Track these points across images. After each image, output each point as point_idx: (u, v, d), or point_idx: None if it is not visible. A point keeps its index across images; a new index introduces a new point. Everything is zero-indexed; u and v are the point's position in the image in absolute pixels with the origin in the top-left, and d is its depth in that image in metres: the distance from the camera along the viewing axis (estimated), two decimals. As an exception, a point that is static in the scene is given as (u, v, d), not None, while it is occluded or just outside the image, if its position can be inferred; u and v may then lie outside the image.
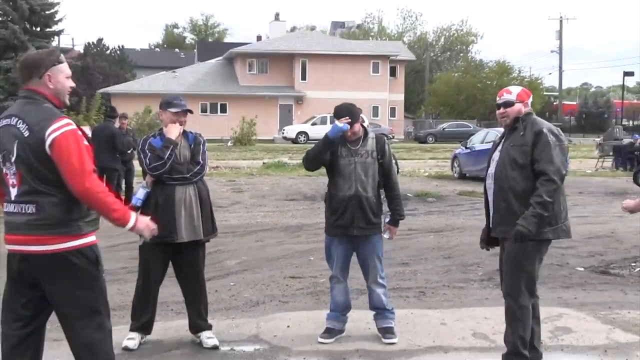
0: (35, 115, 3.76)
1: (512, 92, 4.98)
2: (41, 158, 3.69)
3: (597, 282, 8.02)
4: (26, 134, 3.73)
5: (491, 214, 5.00)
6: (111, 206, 3.75)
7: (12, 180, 3.80)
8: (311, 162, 5.70)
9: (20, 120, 3.77)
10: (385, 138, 5.82)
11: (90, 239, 3.84)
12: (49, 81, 3.86)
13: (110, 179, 13.03)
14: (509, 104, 4.91)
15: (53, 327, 6.03)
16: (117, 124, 13.78)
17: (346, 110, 5.56)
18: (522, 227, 4.61)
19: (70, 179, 3.66)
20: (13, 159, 3.75)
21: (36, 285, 3.86)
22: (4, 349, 4.00)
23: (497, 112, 4.99)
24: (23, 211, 3.78)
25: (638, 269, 8.70)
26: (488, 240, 5.14)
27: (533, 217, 4.61)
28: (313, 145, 5.78)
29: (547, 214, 4.64)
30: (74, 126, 3.75)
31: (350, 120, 5.47)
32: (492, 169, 5.00)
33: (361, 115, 5.81)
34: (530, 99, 4.99)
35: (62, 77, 3.93)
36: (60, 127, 3.70)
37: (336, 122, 5.50)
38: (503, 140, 4.99)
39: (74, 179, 3.65)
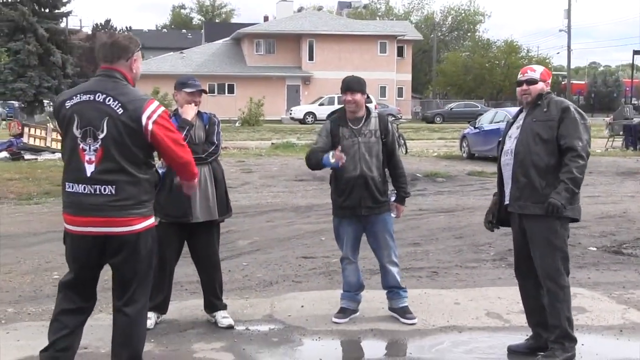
0: (125, 94, 3.92)
1: (536, 70, 4.95)
2: (135, 136, 3.88)
3: (610, 262, 8.01)
4: (120, 111, 3.88)
5: (508, 190, 4.91)
6: (195, 172, 4.30)
7: (89, 156, 3.88)
8: (312, 166, 5.68)
9: (110, 98, 3.91)
10: (388, 117, 5.81)
11: (154, 219, 4.18)
12: (133, 64, 4.09)
13: None
14: (532, 82, 4.88)
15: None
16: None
17: (353, 79, 5.61)
18: (555, 200, 4.54)
19: (174, 153, 4.04)
20: (101, 135, 3.87)
21: (103, 263, 4.14)
22: (56, 333, 4.12)
23: (519, 88, 4.93)
24: (100, 192, 3.89)
25: (651, 249, 8.69)
26: (498, 219, 5.08)
27: (566, 192, 4.56)
28: (315, 142, 5.75)
29: (578, 190, 4.61)
30: (163, 107, 4.00)
31: (343, 160, 5.36)
32: (510, 145, 4.91)
33: (369, 95, 5.77)
34: (550, 80, 4.97)
35: (140, 63, 4.16)
36: (157, 109, 3.94)
37: (330, 156, 5.34)
38: (523, 117, 4.92)
39: (177, 154, 4.05)
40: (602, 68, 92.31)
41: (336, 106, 43.38)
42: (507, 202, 4.93)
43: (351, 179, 5.55)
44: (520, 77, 4.98)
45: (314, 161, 5.55)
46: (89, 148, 3.87)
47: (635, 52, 53.54)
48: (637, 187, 15.00)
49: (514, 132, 4.91)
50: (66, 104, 3.97)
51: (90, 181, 3.90)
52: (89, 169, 3.88)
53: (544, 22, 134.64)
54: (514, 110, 22.83)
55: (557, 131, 4.69)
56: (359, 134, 5.57)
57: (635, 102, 50.65)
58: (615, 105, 49.61)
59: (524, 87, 4.90)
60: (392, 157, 5.67)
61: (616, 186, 15.05)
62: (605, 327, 5.63)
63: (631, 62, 57.36)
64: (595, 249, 8.54)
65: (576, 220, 4.87)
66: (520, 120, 4.93)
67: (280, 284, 6.98)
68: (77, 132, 3.90)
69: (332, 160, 5.35)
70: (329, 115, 5.82)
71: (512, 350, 5.03)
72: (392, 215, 5.72)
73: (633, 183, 15.80)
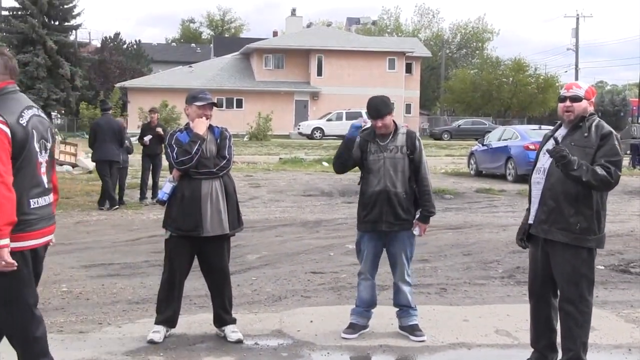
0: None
1: (582, 87, 4.76)
2: None
3: (618, 281, 8.01)
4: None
5: (534, 210, 4.80)
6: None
7: (43, 168, 4.00)
8: (337, 166, 5.79)
9: (39, 109, 4.08)
10: (416, 133, 5.81)
11: None
12: None
13: (113, 172, 13.11)
14: (577, 99, 4.69)
15: (78, 320, 6.15)
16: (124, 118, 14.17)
17: (380, 102, 5.61)
18: (568, 155, 4.45)
19: None
20: (49, 146, 4.07)
21: None
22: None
23: (562, 105, 4.73)
24: (50, 201, 4.08)
25: (659, 268, 8.67)
26: (529, 236, 4.89)
27: (583, 167, 4.45)
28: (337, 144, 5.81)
29: (585, 179, 4.45)
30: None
31: (365, 120, 5.52)
32: (544, 164, 4.76)
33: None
34: (594, 99, 4.79)
35: None
36: None
37: (354, 122, 5.58)
38: (562, 136, 4.72)
39: None
40: (609, 87, 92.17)
41: (344, 122, 43.36)
42: (531, 221, 4.83)
43: (374, 193, 5.58)
44: (564, 92, 4.76)
45: (337, 153, 5.72)
46: (43, 160, 3.99)
47: (643, 71, 53.67)
48: (646, 206, 14.97)
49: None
50: (21, 122, 3.85)
51: (47, 192, 4.04)
52: (45, 180, 4.01)
53: (552, 40, 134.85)
54: (523, 128, 22.78)
55: (593, 158, 4.56)
56: (384, 150, 5.60)
57: (643, 121, 50.64)
58: (622, 125, 49.50)
59: (567, 103, 4.71)
60: (418, 173, 5.65)
61: (623, 205, 15.03)
62: (614, 346, 5.63)
63: (638, 81, 57.47)
64: (603, 267, 8.53)
65: (600, 247, 4.76)
66: (559, 137, 4.72)
67: (289, 298, 6.99)
68: (36, 146, 3.94)
69: (356, 122, 5.54)
70: (361, 131, 5.73)
71: None
72: (415, 232, 5.68)
73: (641, 202, 15.77)
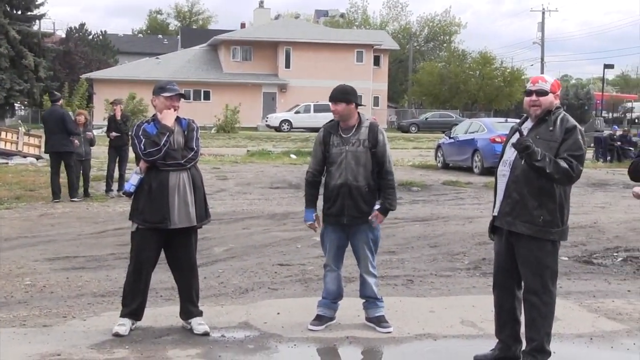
0: None
1: (548, 81, 4.77)
2: None
3: (581, 272, 8.14)
4: None
5: (499, 202, 4.84)
6: None
7: None
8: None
9: None
10: (379, 126, 5.82)
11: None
12: None
13: (69, 162, 12.99)
14: (543, 93, 4.70)
15: (42, 313, 6.08)
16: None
17: (339, 88, 5.65)
18: (532, 145, 4.51)
19: None
20: None
21: None
22: None
23: (528, 99, 4.75)
24: None
25: (620, 259, 8.83)
26: (494, 227, 4.94)
27: (546, 158, 4.51)
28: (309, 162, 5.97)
29: (548, 171, 4.50)
30: None
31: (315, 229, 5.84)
32: (510, 157, 4.79)
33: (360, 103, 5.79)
34: (560, 92, 4.81)
35: None
36: None
37: (313, 216, 5.79)
38: (528, 129, 4.75)
39: None
40: (574, 81, 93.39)
41: (312, 114, 43.27)
42: (495, 213, 4.88)
43: (336, 186, 5.59)
44: (530, 86, 4.78)
45: (305, 196, 5.87)
46: None
47: (606, 66, 54.39)
48: (607, 198, 15.22)
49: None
50: None
51: None
52: None
53: (518, 34, 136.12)
54: (489, 121, 22.96)
55: (557, 151, 4.60)
56: (347, 143, 5.61)
57: (606, 115, 51.42)
58: (586, 118, 50.27)
59: (534, 97, 4.72)
60: (382, 167, 5.64)
61: (587, 197, 15.26)
62: (576, 335, 5.72)
63: (602, 75, 58.35)
64: (566, 258, 8.65)
65: (563, 240, 4.83)
66: (525, 131, 4.74)
67: (256, 291, 6.99)
68: None
69: (308, 223, 5.81)
70: (326, 123, 5.83)
71: None
72: (371, 221, 5.69)
73: (603, 194, 16.03)
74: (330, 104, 5.66)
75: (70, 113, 15.54)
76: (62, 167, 13.21)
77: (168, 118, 5.45)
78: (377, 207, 5.68)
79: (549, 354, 4.82)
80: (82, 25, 67.40)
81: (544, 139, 4.65)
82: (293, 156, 24.33)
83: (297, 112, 46.06)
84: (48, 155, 13.79)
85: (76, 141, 13.18)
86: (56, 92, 14.82)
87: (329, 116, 6.00)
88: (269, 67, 53.82)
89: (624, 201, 14.19)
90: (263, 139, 36.42)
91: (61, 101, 14.32)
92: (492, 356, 5.01)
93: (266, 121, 47.09)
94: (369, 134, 5.64)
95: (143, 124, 5.55)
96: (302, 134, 40.50)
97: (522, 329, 4.91)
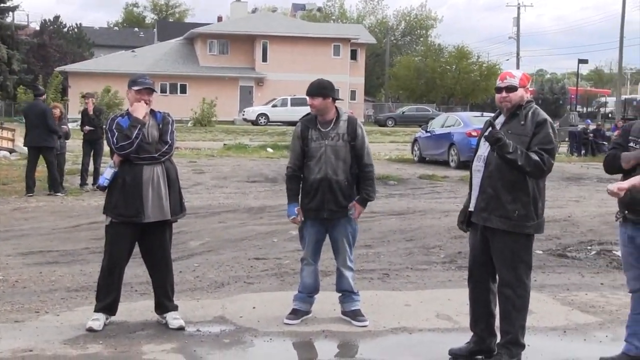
0: None
1: (516, 76, 4.80)
2: None
3: (555, 265, 8.21)
4: None
5: (474, 198, 4.88)
6: None
7: None
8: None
9: None
10: (357, 120, 5.82)
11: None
12: None
13: (49, 158, 12.87)
14: (512, 89, 4.75)
15: (14, 309, 6.01)
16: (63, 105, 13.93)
17: (316, 83, 5.64)
18: (503, 137, 4.55)
19: None
20: None
21: None
22: None
23: (499, 95, 4.80)
24: None
25: (594, 252, 8.92)
26: (469, 221, 4.98)
27: (517, 151, 4.55)
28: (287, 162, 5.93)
29: (520, 163, 4.55)
30: None
31: (297, 222, 5.74)
32: (483, 152, 4.83)
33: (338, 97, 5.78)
34: (529, 84, 4.85)
35: None
36: None
37: (295, 210, 5.68)
38: (501, 124, 4.80)
39: None
40: (549, 75, 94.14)
41: (289, 108, 43.21)
42: (471, 209, 4.91)
43: (316, 181, 5.58)
44: (499, 83, 4.83)
45: (287, 191, 5.78)
46: None
47: (580, 61, 54.89)
48: (582, 192, 15.38)
49: None
50: None
51: None
52: None
53: (495, 29, 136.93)
54: (465, 115, 23.10)
55: (528, 145, 4.64)
56: (326, 137, 5.60)
57: (580, 110, 51.90)
58: (561, 112, 50.70)
59: (504, 94, 4.77)
60: (361, 160, 5.65)
61: (561, 191, 15.40)
62: (550, 328, 5.77)
63: (576, 70, 58.86)
64: (541, 252, 8.72)
65: (538, 232, 4.88)
66: (498, 125, 4.78)
67: (232, 285, 6.96)
68: None
69: (292, 217, 5.70)
70: (302, 117, 5.83)
71: (453, 354, 5.06)
72: (349, 213, 5.67)
73: (577, 188, 16.19)
74: (307, 98, 5.66)
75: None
76: (40, 162, 13.08)
77: (139, 111, 5.42)
78: (356, 198, 5.68)
79: (523, 346, 4.86)
80: (57, 17, 66.61)
81: (515, 134, 4.70)
82: (270, 150, 24.29)
83: (274, 106, 45.95)
84: (27, 149, 13.65)
85: (65, 127, 13.22)
86: (40, 87, 14.67)
87: (305, 110, 5.99)
88: (245, 61, 53.61)
89: (598, 195, 14.33)
90: (240, 132, 36.30)
91: (44, 96, 14.17)
92: (467, 349, 5.03)
93: (243, 115, 46.93)
94: (348, 127, 5.64)
95: (117, 117, 5.51)
96: (279, 127, 40.41)
97: (497, 322, 4.95)
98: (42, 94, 13.84)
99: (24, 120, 13.67)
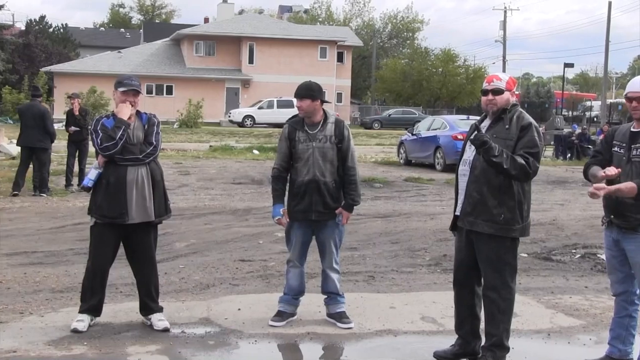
0: None
1: (502, 79, 4.82)
2: None
3: (540, 268, 8.25)
4: None
5: (460, 201, 4.89)
6: None
7: None
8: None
9: None
10: (344, 122, 5.84)
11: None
12: None
13: (42, 159, 12.81)
14: (498, 92, 4.76)
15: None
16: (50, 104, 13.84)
17: (304, 85, 5.66)
18: (489, 140, 4.56)
19: None
20: None
21: None
22: None
23: (485, 98, 4.81)
24: None
25: (578, 256, 8.96)
26: (454, 225, 4.99)
27: (503, 154, 4.56)
28: (273, 163, 5.91)
29: (505, 167, 4.56)
30: None
31: (282, 224, 5.75)
32: (469, 156, 4.84)
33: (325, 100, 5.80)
34: (516, 88, 4.87)
35: None
36: None
37: (280, 211, 5.68)
38: (486, 127, 4.82)
39: None
40: (535, 79, 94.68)
41: (275, 110, 43.15)
42: (457, 213, 4.92)
43: (303, 183, 5.59)
44: (485, 86, 4.83)
45: (272, 192, 5.77)
46: None
47: (566, 65, 55.24)
48: (567, 196, 15.47)
49: None
50: None
51: None
52: None
53: (481, 32, 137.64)
54: (451, 118, 23.17)
55: (513, 149, 4.65)
56: (314, 139, 5.61)
57: (566, 114, 52.21)
58: (547, 116, 50.94)
59: (490, 97, 4.78)
60: (345, 163, 5.67)
61: (546, 194, 15.48)
62: (534, 331, 5.80)
63: (562, 74, 59.22)
64: (526, 255, 8.76)
65: (524, 236, 4.90)
66: (483, 129, 4.79)
67: (217, 286, 6.95)
68: None
69: (276, 218, 5.68)
70: (289, 119, 5.84)
71: (438, 356, 5.07)
72: (337, 221, 5.71)
73: (562, 191, 16.29)
74: (295, 100, 5.66)
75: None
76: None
77: (124, 112, 5.41)
78: (342, 204, 5.69)
79: (507, 349, 4.88)
80: (42, 17, 66.22)
81: (500, 137, 4.71)
82: (256, 152, 24.25)
83: (260, 108, 45.89)
84: (19, 148, 13.58)
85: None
86: (40, 88, 14.60)
87: (292, 112, 6.01)
88: (232, 63, 53.53)
89: (583, 198, 14.41)
90: (226, 134, 36.24)
91: (41, 98, 14.08)
92: (451, 352, 5.05)
93: (229, 116, 46.86)
94: (335, 129, 5.66)
95: (102, 118, 5.50)
96: (265, 129, 40.38)
97: (482, 325, 4.97)
98: (40, 95, 13.77)
99: (9, 120, 13.60)
